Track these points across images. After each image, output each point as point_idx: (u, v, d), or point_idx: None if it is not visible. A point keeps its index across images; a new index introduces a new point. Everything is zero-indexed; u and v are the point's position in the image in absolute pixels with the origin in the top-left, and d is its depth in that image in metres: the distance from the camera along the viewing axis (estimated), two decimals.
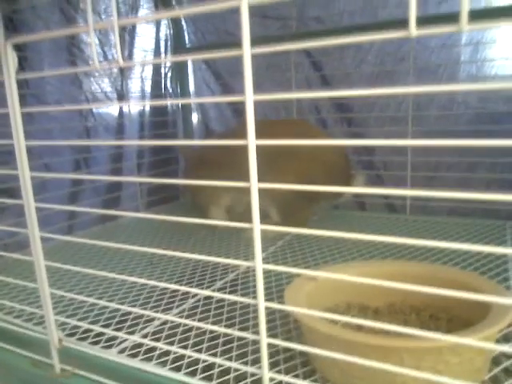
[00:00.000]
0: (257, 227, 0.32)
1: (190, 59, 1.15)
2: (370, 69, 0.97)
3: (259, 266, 0.32)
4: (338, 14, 0.96)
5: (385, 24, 0.87)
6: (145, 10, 1.12)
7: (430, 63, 0.92)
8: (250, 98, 0.31)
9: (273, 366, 0.42)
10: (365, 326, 0.36)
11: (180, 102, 0.97)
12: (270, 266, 0.33)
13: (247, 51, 0.31)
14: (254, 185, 0.32)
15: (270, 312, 0.32)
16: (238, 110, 1.15)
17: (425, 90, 0.28)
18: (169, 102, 1.19)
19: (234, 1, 0.31)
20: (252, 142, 0.31)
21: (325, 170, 0.82)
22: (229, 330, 0.37)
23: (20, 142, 0.45)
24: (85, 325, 0.48)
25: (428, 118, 0.92)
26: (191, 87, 1.21)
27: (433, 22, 0.77)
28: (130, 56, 1.10)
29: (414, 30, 0.27)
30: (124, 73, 1.06)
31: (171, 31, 1.17)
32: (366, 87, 0.97)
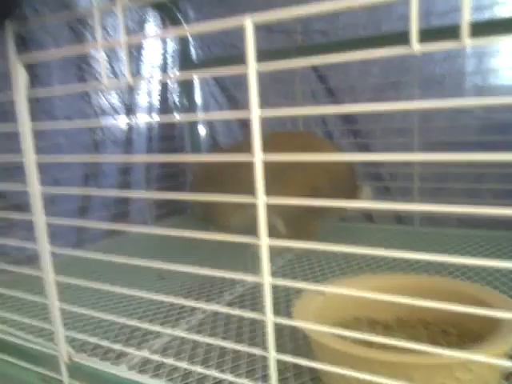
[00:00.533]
0: (264, 242, 0.33)
1: (197, 73, 1.16)
2: (375, 80, 0.98)
3: (267, 281, 0.32)
4: (342, 28, 0.97)
5: (388, 37, 0.88)
6: (152, 26, 1.13)
7: (435, 74, 0.92)
8: (255, 114, 0.31)
9: (282, 382, 0.42)
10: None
11: (188, 119, 0.98)
12: (278, 281, 0.33)
13: (252, 68, 0.31)
14: (261, 200, 0.32)
15: (278, 328, 0.32)
16: (245, 123, 1.16)
17: (431, 107, 0.28)
18: (176, 118, 1.20)
19: (238, 20, 0.32)
20: (258, 157, 0.31)
21: (331, 181, 0.82)
22: (237, 347, 0.36)
23: (30, 159, 0.46)
24: (94, 340, 0.48)
25: (434, 128, 0.92)
26: (198, 100, 1.22)
27: (436, 34, 0.77)
28: (138, 71, 1.11)
29: (416, 46, 0.27)
30: (132, 87, 1.07)
31: (178, 46, 1.18)
32: (372, 99, 0.97)
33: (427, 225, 0.93)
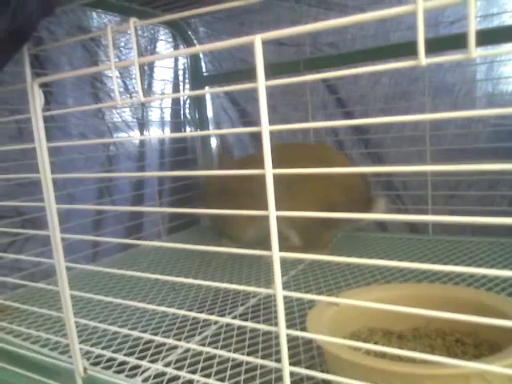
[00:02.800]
0: (276, 255, 0.33)
1: (208, 91, 1.18)
2: (385, 90, 0.98)
3: (279, 293, 0.32)
4: (351, 39, 0.98)
5: (397, 47, 0.88)
6: (163, 42, 1.16)
7: (445, 82, 0.92)
8: (266, 128, 0.32)
9: None
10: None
11: (200, 134, 0.99)
12: (290, 293, 0.33)
13: (262, 85, 0.32)
14: (273, 213, 0.32)
15: (292, 338, 0.33)
16: (256, 135, 1.17)
17: (442, 116, 0.28)
18: (188, 134, 1.21)
19: (248, 37, 0.33)
20: (269, 171, 0.32)
21: (345, 193, 0.82)
22: (251, 358, 0.37)
23: (47, 176, 0.47)
24: (109, 353, 0.49)
25: (446, 136, 0.92)
26: (209, 113, 1.23)
27: (445, 44, 0.77)
28: (150, 87, 1.13)
29: (423, 59, 0.27)
30: (144, 103, 1.09)
31: (189, 61, 1.20)
32: (382, 108, 0.97)
33: (441, 233, 0.92)
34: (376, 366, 0.34)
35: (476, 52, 0.26)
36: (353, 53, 0.96)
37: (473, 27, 0.25)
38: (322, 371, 0.45)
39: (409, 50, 0.83)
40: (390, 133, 0.97)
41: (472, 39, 0.26)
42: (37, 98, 0.46)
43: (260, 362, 0.35)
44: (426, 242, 0.88)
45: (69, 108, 0.96)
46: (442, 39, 0.82)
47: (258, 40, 0.32)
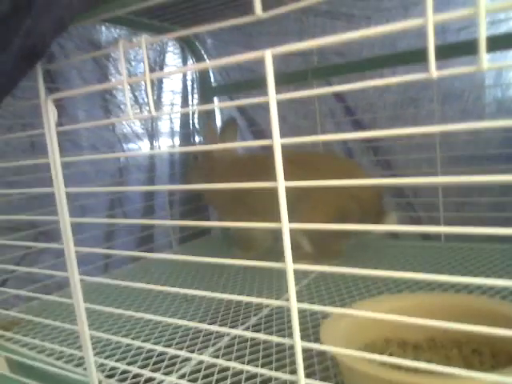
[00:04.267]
0: (290, 267, 0.33)
1: (218, 105, 1.19)
2: (393, 97, 0.98)
3: (294, 306, 0.32)
4: (358, 47, 0.98)
5: (405, 55, 0.88)
6: (171, 54, 1.17)
7: (454, 88, 0.92)
8: (277, 142, 0.32)
9: None
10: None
11: (209, 148, 1.00)
12: (305, 306, 0.33)
13: (273, 98, 0.32)
14: (286, 225, 0.33)
15: (306, 348, 0.33)
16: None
17: (451, 129, 0.28)
18: (199, 148, 1.22)
19: (258, 52, 0.33)
20: (282, 184, 0.32)
21: (358, 204, 0.83)
22: (265, 371, 0.36)
23: (60, 190, 0.47)
24: (123, 366, 0.49)
25: (456, 143, 0.91)
26: (218, 123, 1.24)
27: (453, 51, 0.77)
28: (159, 98, 1.14)
29: (434, 72, 0.27)
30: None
31: (197, 72, 1.21)
32: (391, 116, 0.97)
33: (453, 240, 0.91)
34: (394, 378, 0.34)
35: (487, 64, 0.26)
36: (360, 61, 0.96)
37: (483, 40, 0.25)
38: (337, 383, 0.45)
39: (417, 57, 0.84)
40: (399, 140, 0.97)
41: (483, 51, 0.26)
42: (50, 114, 0.47)
43: (275, 374, 0.35)
44: (438, 249, 0.88)
45: (79, 120, 0.97)
46: (450, 47, 0.82)
47: (268, 55, 0.32)
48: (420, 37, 0.92)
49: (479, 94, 0.91)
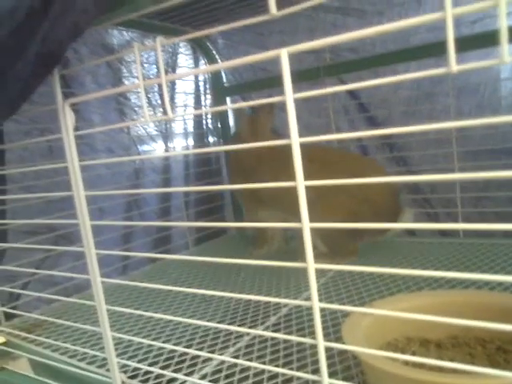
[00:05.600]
0: (311, 267, 0.33)
1: (232, 106, 1.19)
2: (407, 93, 0.97)
3: (317, 306, 0.32)
4: (371, 43, 0.97)
5: (418, 49, 0.87)
6: (183, 55, 1.18)
7: (469, 83, 0.90)
8: (296, 141, 0.32)
9: None
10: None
11: (227, 149, 1.00)
12: (328, 305, 0.33)
13: (290, 97, 0.32)
14: (306, 225, 0.32)
15: (327, 348, 0.32)
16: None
17: (467, 124, 0.27)
18: (214, 148, 1.22)
19: (274, 52, 0.33)
20: (301, 183, 0.32)
21: (371, 208, 0.82)
22: (288, 371, 0.36)
23: (80, 193, 0.48)
24: (145, 367, 0.50)
25: (473, 137, 0.90)
26: (231, 123, 1.24)
27: (468, 44, 0.76)
28: (172, 99, 1.15)
29: (454, 66, 0.27)
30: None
31: (209, 72, 1.22)
32: (405, 111, 0.95)
33: (471, 236, 0.90)
34: (419, 377, 0.33)
35: (509, 57, 0.25)
36: (373, 57, 0.95)
37: (505, 32, 0.25)
38: (359, 382, 0.45)
39: (431, 52, 0.83)
40: (414, 136, 0.96)
41: (505, 43, 0.25)
42: (68, 118, 0.47)
43: (299, 374, 0.35)
44: (457, 245, 0.86)
45: (95, 124, 0.98)
46: (465, 39, 0.81)
47: (284, 54, 0.32)
48: (433, 31, 0.91)
49: (495, 87, 0.89)
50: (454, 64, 0.27)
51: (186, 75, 1.18)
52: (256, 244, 0.98)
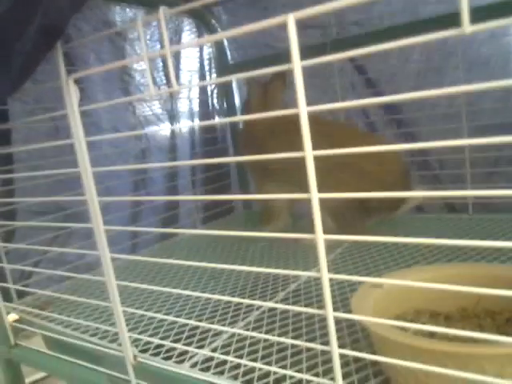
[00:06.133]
0: (320, 238, 0.33)
1: (234, 78, 1.17)
2: (416, 67, 0.95)
3: (326, 276, 0.32)
4: (378, 17, 0.95)
5: (428, 22, 0.85)
6: (187, 33, 1.16)
7: (479, 56, 0.88)
8: (304, 110, 0.31)
9: (345, 376, 0.41)
10: (437, 332, 0.35)
11: (232, 120, 0.99)
12: (337, 276, 0.33)
13: (298, 65, 0.31)
14: (315, 196, 0.32)
15: (336, 321, 0.32)
16: None
17: (475, 88, 0.27)
18: (222, 120, 1.21)
19: (280, 18, 0.32)
20: (309, 153, 0.31)
21: (380, 188, 0.81)
22: (299, 342, 0.37)
23: (87, 170, 0.48)
24: (156, 340, 0.50)
25: (483, 111, 0.88)
26: (237, 102, 1.23)
27: (482, 14, 0.74)
28: (177, 78, 1.14)
29: (467, 27, 0.26)
30: (173, 95, 1.10)
31: (214, 50, 1.20)
32: (414, 86, 0.94)
33: (480, 211, 0.89)
34: (429, 347, 0.33)
35: None
36: (381, 30, 0.93)
37: None
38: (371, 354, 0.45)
39: (440, 24, 0.80)
40: (423, 111, 0.94)
41: None
42: (72, 94, 0.47)
43: (308, 345, 0.35)
44: (466, 221, 0.86)
45: (99, 103, 0.98)
46: (478, 9, 0.78)
47: (291, 20, 0.31)
48: (442, 3, 0.88)
49: (507, 59, 0.87)
50: (467, 24, 0.26)
51: (191, 46, 1.16)
52: (263, 221, 0.98)
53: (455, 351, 0.32)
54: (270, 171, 0.89)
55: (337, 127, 0.92)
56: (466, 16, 0.25)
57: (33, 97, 0.86)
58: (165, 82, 1.09)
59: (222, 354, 0.47)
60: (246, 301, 0.39)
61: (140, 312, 0.49)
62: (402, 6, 0.93)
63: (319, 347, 0.35)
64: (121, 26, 1.02)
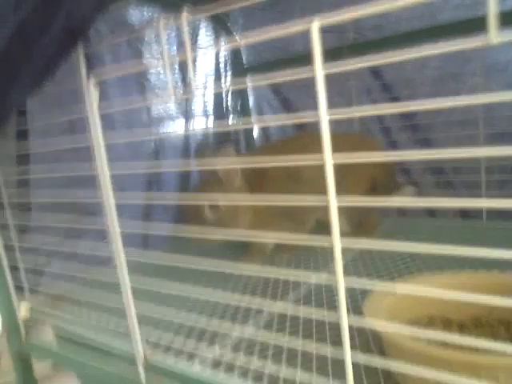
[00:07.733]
0: (337, 245, 0.33)
1: (249, 82, 1.18)
2: (433, 72, 0.94)
3: (341, 282, 0.32)
4: (396, 22, 0.94)
5: (446, 27, 0.84)
6: (203, 36, 1.16)
7: (498, 61, 0.87)
8: (324, 117, 0.32)
9: (356, 381, 0.41)
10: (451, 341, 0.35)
11: (257, 124, 0.99)
12: (353, 282, 0.33)
13: (320, 72, 0.31)
14: (333, 203, 0.32)
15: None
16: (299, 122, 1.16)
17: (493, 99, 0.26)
18: (240, 124, 1.22)
19: (304, 24, 0.32)
20: (329, 161, 0.32)
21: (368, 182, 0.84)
22: (311, 346, 0.37)
23: (104, 172, 0.49)
24: (167, 339, 0.51)
25: (501, 118, 0.87)
26: (251, 104, 1.24)
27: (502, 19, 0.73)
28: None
29: (495, 37, 0.25)
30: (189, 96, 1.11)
31: (229, 53, 1.20)
32: (431, 92, 0.93)
33: (495, 219, 0.88)
34: (443, 355, 0.33)
35: None
36: (398, 36, 0.92)
37: None
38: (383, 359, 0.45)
39: (458, 29, 0.80)
40: (438, 117, 0.93)
41: None
42: (93, 96, 0.47)
43: (321, 350, 0.35)
44: (479, 228, 0.85)
45: (115, 106, 0.99)
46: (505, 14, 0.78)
47: (314, 26, 0.32)
48: (460, 9, 0.88)
49: None
50: (495, 34, 0.25)
51: (213, 48, 1.17)
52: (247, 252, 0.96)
53: (469, 360, 0.32)
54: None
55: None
56: (493, 25, 0.25)
57: (51, 97, 0.87)
58: (180, 84, 1.09)
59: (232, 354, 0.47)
60: (257, 301, 0.39)
61: (153, 312, 0.50)
62: (420, 11, 0.93)
63: (333, 352, 0.35)
64: (137, 27, 1.02)
